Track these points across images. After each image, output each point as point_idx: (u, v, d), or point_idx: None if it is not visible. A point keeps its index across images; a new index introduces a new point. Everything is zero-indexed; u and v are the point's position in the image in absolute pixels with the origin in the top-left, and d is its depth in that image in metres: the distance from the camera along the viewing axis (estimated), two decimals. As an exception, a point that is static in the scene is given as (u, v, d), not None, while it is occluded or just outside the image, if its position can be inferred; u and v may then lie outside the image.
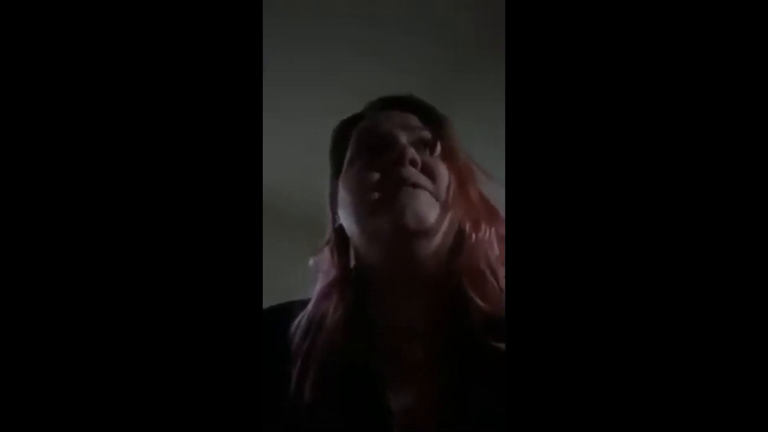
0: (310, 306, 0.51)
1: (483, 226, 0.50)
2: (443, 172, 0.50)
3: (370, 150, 0.52)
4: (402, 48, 1.70)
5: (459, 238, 0.50)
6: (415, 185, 0.48)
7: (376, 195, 0.48)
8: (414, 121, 0.54)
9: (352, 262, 0.54)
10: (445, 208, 0.49)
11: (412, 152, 0.49)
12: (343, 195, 0.51)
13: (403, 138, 0.51)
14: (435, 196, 0.49)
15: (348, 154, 0.54)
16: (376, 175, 0.49)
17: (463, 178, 0.51)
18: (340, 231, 0.52)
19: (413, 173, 0.49)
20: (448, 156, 0.51)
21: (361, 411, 0.44)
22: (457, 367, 0.45)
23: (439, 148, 0.52)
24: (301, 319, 0.49)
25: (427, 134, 0.53)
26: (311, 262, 0.54)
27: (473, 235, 0.49)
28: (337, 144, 0.57)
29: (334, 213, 0.54)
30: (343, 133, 0.57)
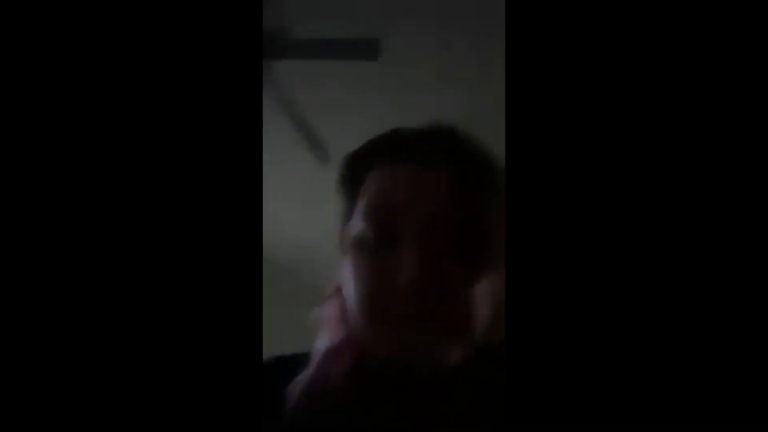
0: (311, 369, 0.47)
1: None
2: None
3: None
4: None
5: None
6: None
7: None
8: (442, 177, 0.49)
9: None
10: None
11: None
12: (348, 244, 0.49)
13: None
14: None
15: (366, 188, 0.49)
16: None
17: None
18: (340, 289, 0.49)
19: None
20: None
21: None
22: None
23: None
24: (302, 379, 0.47)
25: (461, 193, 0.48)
26: (314, 314, 0.51)
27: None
28: (351, 166, 0.52)
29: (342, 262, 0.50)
30: (365, 155, 0.51)
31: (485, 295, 0.44)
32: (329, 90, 2.04)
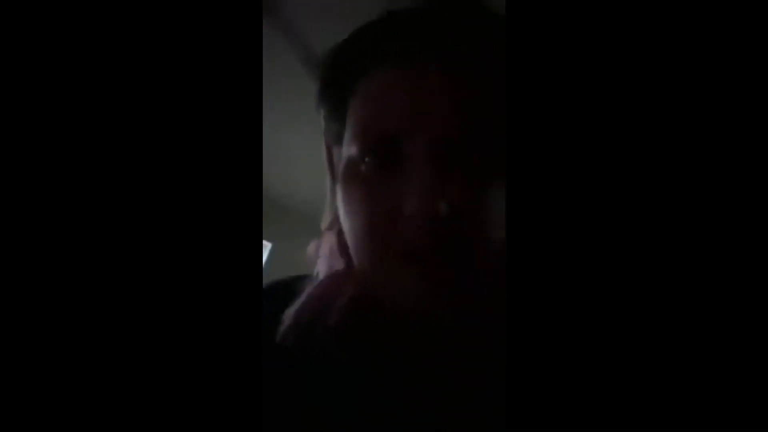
0: (304, 296, 0.44)
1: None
2: None
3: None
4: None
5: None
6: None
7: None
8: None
9: None
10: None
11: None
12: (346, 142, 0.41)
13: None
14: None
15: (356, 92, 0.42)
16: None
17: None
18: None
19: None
20: None
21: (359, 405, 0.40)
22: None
23: None
24: (294, 305, 0.43)
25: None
26: (310, 247, 0.47)
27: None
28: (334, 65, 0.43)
29: (331, 163, 0.45)
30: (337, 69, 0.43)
31: (498, 233, 0.36)
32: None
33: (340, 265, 0.43)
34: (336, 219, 0.42)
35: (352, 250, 0.40)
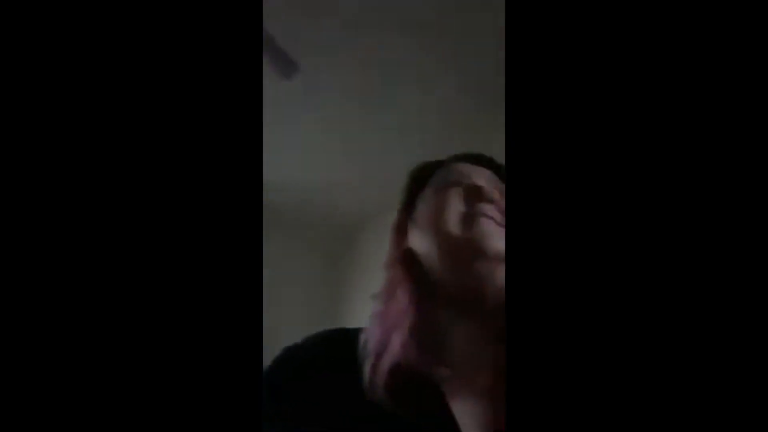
0: (376, 328, 0.53)
1: None
2: None
3: (454, 187, 0.56)
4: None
5: None
6: (493, 220, 0.53)
7: (458, 221, 0.53)
8: (490, 174, 0.59)
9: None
10: None
11: (491, 193, 0.55)
12: (422, 222, 0.57)
13: (483, 182, 0.57)
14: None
15: (428, 189, 0.59)
16: (460, 206, 0.54)
17: None
18: (409, 253, 0.56)
19: (491, 210, 0.54)
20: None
21: (427, 420, 0.47)
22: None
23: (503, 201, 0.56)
24: (366, 340, 0.52)
25: (499, 183, 0.58)
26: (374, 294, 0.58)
27: None
28: (413, 179, 0.62)
29: (401, 238, 0.58)
30: (422, 171, 0.62)
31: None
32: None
33: (409, 293, 0.56)
34: (401, 257, 0.58)
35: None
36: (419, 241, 0.56)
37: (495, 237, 0.52)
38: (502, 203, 0.55)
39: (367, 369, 0.49)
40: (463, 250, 0.51)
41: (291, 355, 0.54)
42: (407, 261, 0.56)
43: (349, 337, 0.54)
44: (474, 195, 0.54)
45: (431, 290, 0.54)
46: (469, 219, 0.53)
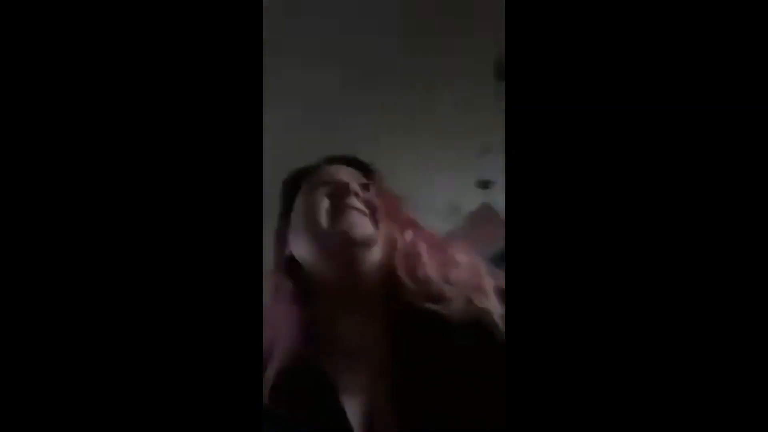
0: (265, 334, 0.56)
1: (410, 235, 0.63)
2: (377, 202, 0.63)
3: (321, 187, 0.63)
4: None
5: (392, 247, 0.62)
6: (358, 210, 0.61)
7: (327, 217, 0.60)
8: (354, 171, 0.68)
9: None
10: (379, 227, 0.62)
11: (354, 186, 0.63)
12: (296, 225, 0.63)
13: (346, 178, 0.64)
14: (373, 219, 0.61)
15: (300, 194, 0.65)
16: (327, 203, 0.61)
17: (391, 207, 0.65)
18: (291, 259, 0.63)
19: (355, 202, 0.61)
20: (380, 193, 0.65)
21: (318, 413, 0.52)
22: (404, 344, 0.53)
23: (373, 189, 0.65)
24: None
25: (363, 179, 0.66)
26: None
27: (401, 241, 0.62)
28: (287, 187, 0.68)
29: (283, 245, 0.64)
30: (294, 178, 0.69)
31: (380, 216, 0.61)
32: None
33: (291, 294, 0.63)
34: (284, 264, 0.64)
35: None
36: (298, 244, 0.61)
37: (361, 225, 0.59)
38: (366, 195, 0.62)
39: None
40: (334, 242, 0.58)
41: None
42: (288, 266, 0.62)
43: None
44: (339, 191, 0.61)
45: (313, 288, 0.60)
46: (336, 213, 0.59)
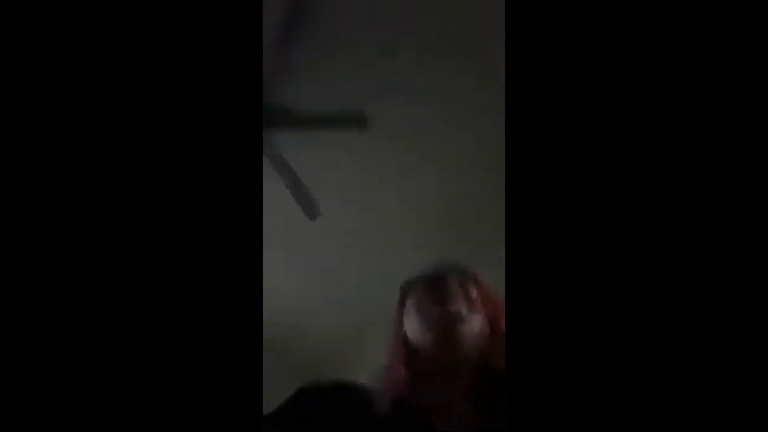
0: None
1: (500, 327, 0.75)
2: (473, 291, 0.77)
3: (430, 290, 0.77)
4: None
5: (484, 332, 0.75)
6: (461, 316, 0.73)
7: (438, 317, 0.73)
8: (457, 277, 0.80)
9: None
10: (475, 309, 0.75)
11: (460, 294, 0.76)
12: (413, 318, 0.76)
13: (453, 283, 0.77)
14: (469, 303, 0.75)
15: (412, 294, 0.80)
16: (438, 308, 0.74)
17: (487, 297, 0.78)
18: (405, 338, 0.76)
19: (461, 307, 0.74)
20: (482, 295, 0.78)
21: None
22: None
23: (475, 292, 0.77)
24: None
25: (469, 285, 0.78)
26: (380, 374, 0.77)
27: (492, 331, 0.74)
28: (404, 289, 0.82)
29: (399, 330, 0.78)
30: (409, 285, 0.82)
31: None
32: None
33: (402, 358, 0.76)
34: (400, 344, 0.77)
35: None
36: (410, 326, 0.76)
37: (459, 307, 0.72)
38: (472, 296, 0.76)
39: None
40: (436, 317, 0.72)
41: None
42: (405, 345, 0.75)
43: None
44: (439, 284, 0.75)
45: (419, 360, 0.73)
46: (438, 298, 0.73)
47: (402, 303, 0.83)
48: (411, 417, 0.69)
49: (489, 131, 1.83)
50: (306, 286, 2.73)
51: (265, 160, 1.79)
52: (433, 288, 0.77)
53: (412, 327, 0.76)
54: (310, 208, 2.05)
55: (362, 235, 2.44)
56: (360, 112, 1.83)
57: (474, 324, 0.73)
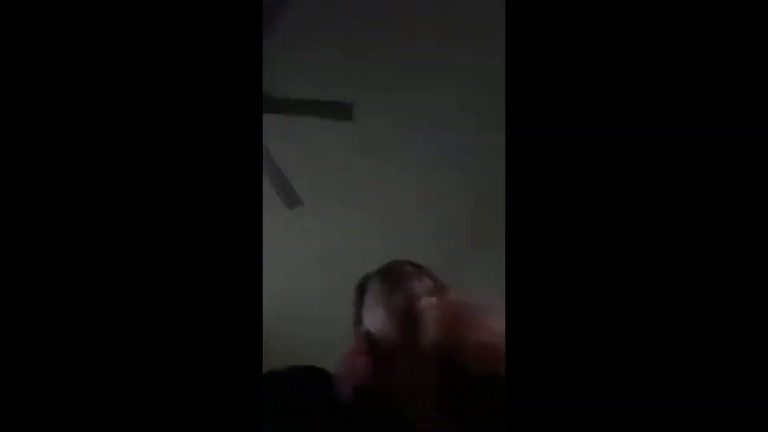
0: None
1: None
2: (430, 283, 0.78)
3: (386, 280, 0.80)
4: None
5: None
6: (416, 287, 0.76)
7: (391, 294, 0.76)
8: (412, 267, 0.82)
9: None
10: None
11: (408, 269, 0.79)
12: (372, 310, 0.78)
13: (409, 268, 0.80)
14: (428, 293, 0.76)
15: (369, 288, 0.82)
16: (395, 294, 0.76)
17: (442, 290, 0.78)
18: (367, 330, 0.76)
19: (417, 291, 0.75)
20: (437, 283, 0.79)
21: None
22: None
23: (429, 280, 0.78)
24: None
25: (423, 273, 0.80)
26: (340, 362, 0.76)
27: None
28: (361, 286, 0.84)
29: (359, 324, 0.80)
30: (365, 279, 0.85)
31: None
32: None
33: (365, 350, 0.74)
34: (362, 339, 0.75)
35: None
36: (370, 320, 0.76)
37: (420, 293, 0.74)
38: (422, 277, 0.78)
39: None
40: (398, 305, 0.73)
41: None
42: (368, 341, 0.75)
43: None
44: (397, 274, 0.77)
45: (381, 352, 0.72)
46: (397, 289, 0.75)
47: (360, 298, 0.84)
48: (376, 402, 0.69)
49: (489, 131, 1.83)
50: (292, 279, 2.71)
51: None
52: (389, 278, 0.79)
53: (372, 317, 0.77)
54: (288, 197, 2.02)
55: (346, 225, 2.42)
56: (346, 103, 1.80)
57: (431, 306, 0.73)
